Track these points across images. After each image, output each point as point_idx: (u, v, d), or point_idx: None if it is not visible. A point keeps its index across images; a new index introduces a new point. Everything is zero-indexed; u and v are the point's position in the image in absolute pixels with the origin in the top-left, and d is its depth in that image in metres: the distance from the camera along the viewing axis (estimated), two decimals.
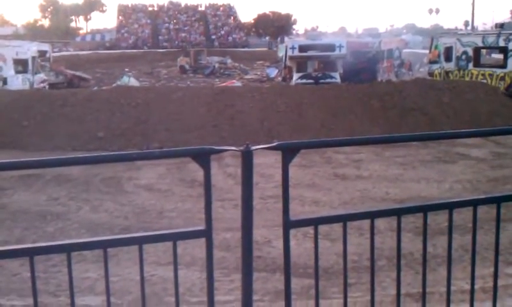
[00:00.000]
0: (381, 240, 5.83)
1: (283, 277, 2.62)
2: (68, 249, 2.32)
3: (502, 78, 19.64)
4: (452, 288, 2.90)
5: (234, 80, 32.05)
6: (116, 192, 9.08)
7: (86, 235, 6.87)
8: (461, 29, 74.97)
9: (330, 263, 5.59)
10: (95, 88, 23.66)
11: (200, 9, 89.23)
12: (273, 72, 35.34)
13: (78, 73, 33.59)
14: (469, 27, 77.95)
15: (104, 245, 2.33)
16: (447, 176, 9.88)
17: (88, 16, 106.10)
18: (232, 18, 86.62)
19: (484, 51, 23.66)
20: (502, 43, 20.10)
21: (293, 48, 23.52)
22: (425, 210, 2.75)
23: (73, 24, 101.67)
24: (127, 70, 39.91)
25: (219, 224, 6.48)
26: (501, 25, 21.70)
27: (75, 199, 8.58)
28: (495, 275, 2.88)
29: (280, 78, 29.50)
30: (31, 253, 2.31)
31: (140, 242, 2.38)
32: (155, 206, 8.22)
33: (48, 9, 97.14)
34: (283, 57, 26.87)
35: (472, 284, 2.89)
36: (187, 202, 8.38)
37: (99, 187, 9.37)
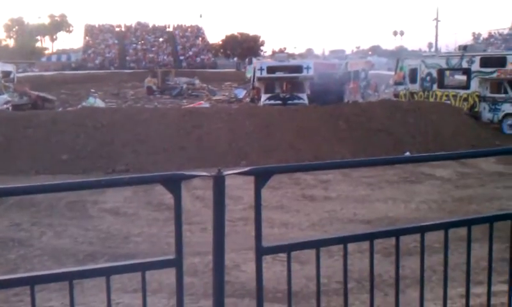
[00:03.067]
0: (350, 262, 5.71)
1: (252, 303, 2.56)
2: (31, 282, 2.20)
3: (465, 99, 20.17)
4: None
5: (202, 101, 31.94)
6: (81, 216, 8.87)
7: (49, 262, 6.65)
8: (424, 51, 76.91)
9: (300, 286, 5.51)
10: (60, 109, 23.26)
11: (168, 29, 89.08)
12: (241, 93, 35.37)
13: (42, 94, 32.83)
14: (433, 49, 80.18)
15: (69, 277, 2.22)
16: (413, 196, 10.02)
17: (54, 37, 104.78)
18: (200, 39, 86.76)
19: (447, 72, 24.24)
20: (465, 65, 20.66)
21: (261, 69, 23.61)
22: (397, 234, 2.74)
23: (38, 44, 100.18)
24: (93, 90, 39.31)
25: (187, 249, 6.27)
26: (464, 48, 22.29)
27: (38, 224, 8.33)
28: (467, 296, 2.88)
29: (248, 99, 29.56)
30: None
31: (108, 272, 2.28)
32: (121, 231, 8.04)
33: (14, 29, 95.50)
34: (251, 78, 26.93)
35: (444, 305, 2.88)
36: (154, 226, 8.24)
37: (63, 211, 9.14)
